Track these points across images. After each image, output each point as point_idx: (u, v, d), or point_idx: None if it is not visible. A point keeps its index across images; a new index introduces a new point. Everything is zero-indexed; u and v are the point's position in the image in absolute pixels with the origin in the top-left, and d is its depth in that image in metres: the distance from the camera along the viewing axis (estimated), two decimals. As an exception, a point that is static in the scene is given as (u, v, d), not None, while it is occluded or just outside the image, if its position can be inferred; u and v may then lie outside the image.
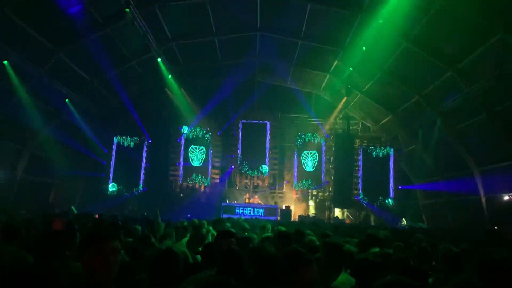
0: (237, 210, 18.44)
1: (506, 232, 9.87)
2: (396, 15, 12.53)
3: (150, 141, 20.86)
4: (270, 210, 18.89)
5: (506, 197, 13.82)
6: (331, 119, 21.58)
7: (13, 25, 11.79)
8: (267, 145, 21.64)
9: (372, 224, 19.31)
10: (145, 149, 20.87)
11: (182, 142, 21.23)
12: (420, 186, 19.39)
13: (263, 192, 20.94)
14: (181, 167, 20.97)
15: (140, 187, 20.38)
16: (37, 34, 12.82)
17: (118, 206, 18.96)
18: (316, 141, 21.52)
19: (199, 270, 3.46)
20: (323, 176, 21.32)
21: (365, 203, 20.38)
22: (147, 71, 18.03)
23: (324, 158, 21.55)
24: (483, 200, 14.58)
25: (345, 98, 19.58)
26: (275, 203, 20.33)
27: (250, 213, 18.33)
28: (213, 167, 21.27)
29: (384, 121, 20.46)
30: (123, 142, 20.66)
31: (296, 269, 2.37)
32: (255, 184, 21.26)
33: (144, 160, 20.74)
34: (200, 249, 4.40)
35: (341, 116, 21.53)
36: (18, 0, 11.33)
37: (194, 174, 20.79)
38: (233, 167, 21.51)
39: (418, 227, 15.01)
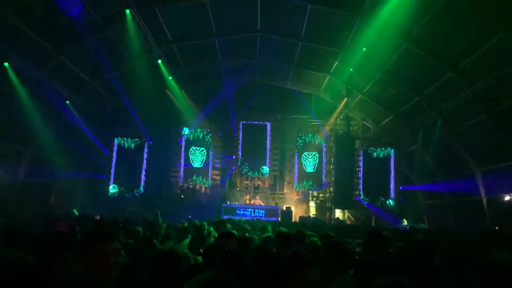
0: (238, 211, 18.41)
1: (507, 232, 9.85)
2: (396, 16, 12.53)
3: (150, 142, 20.86)
4: (271, 211, 18.86)
5: (507, 198, 13.80)
6: (332, 120, 21.58)
7: (14, 27, 11.81)
8: (268, 146, 21.65)
9: (373, 225, 19.30)
10: (145, 150, 20.88)
11: (183, 143, 21.25)
12: (421, 186, 19.37)
13: (264, 193, 20.93)
14: (182, 168, 20.98)
15: (141, 188, 20.39)
16: (37, 36, 12.84)
17: (119, 207, 18.93)
18: (316, 142, 21.52)
19: (200, 271, 3.46)
20: (323, 177, 21.32)
21: (366, 204, 20.36)
22: (147, 72, 18.04)
23: (324, 159, 21.55)
24: (484, 200, 14.57)
25: (345, 99, 19.59)
26: (276, 204, 20.31)
27: (251, 214, 18.31)
28: (214, 168, 21.28)
29: (384, 121, 20.45)
30: (123, 144, 20.67)
31: (298, 270, 2.38)
32: (256, 185, 21.25)
33: (145, 162, 20.74)
34: (202, 250, 4.40)
35: (341, 117, 21.52)
36: (18, 1, 11.36)
37: (194, 175, 20.80)
38: (233, 168, 21.52)
39: (419, 228, 14.97)
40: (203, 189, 20.84)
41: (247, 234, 6.43)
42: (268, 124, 21.86)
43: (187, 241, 5.53)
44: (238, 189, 21.27)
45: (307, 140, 21.47)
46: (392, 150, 20.87)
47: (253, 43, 18.19)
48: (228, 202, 19.75)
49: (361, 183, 20.74)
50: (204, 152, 21.15)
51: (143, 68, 17.56)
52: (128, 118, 19.77)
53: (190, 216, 15.45)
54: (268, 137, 21.72)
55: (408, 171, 20.42)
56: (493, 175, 14.17)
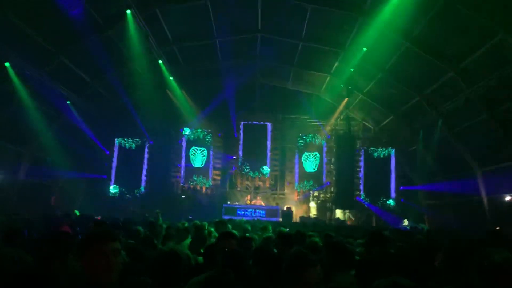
0: (238, 212, 18.38)
1: (507, 232, 9.84)
2: (397, 16, 12.53)
3: (151, 142, 20.84)
4: (272, 211, 18.84)
5: (508, 198, 13.80)
6: (332, 120, 21.57)
7: (14, 27, 11.82)
8: (268, 146, 21.61)
9: (374, 225, 19.29)
10: (146, 150, 20.85)
11: (183, 143, 21.22)
12: (421, 187, 19.36)
13: (265, 193, 20.92)
14: (183, 169, 20.96)
15: (142, 188, 20.37)
16: (38, 36, 12.85)
17: (119, 207, 18.93)
18: (317, 142, 21.49)
19: (201, 271, 3.46)
20: (324, 177, 21.28)
21: (366, 204, 20.33)
22: (148, 72, 18.04)
23: (325, 159, 21.52)
24: (485, 200, 14.56)
25: (346, 99, 19.59)
26: (277, 204, 20.29)
27: (251, 214, 18.29)
28: (214, 168, 21.24)
29: (385, 122, 20.45)
30: (124, 144, 20.65)
31: (300, 270, 2.38)
32: (257, 185, 21.23)
33: (145, 162, 20.72)
34: (202, 250, 4.40)
35: (342, 117, 21.51)
36: (19, 1, 11.37)
37: (195, 175, 20.77)
38: (234, 168, 21.51)
39: (420, 228, 14.97)
40: (203, 189, 20.82)
41: (247, 235, 6.43)
42: (269, 124, 21.83)
43: (187, 241, 5.53)
44: (238, 189, 21.25)
45: (308, 140, 21.43)
46: (393, 150, 20.84)
47: (254, 43, 18.20)
48: (228, 202, 19.74)
49: (362, 183, 20.68)
50: (204, 152, 21.13)
51: (143, 68, 17.56)
52: (129, 118, 19.75)
53: (190, 216, 15.43)
54: (269, 137, 21.68)
55: (409, 171, 20.42)
56: (493, 175, 14.16)
